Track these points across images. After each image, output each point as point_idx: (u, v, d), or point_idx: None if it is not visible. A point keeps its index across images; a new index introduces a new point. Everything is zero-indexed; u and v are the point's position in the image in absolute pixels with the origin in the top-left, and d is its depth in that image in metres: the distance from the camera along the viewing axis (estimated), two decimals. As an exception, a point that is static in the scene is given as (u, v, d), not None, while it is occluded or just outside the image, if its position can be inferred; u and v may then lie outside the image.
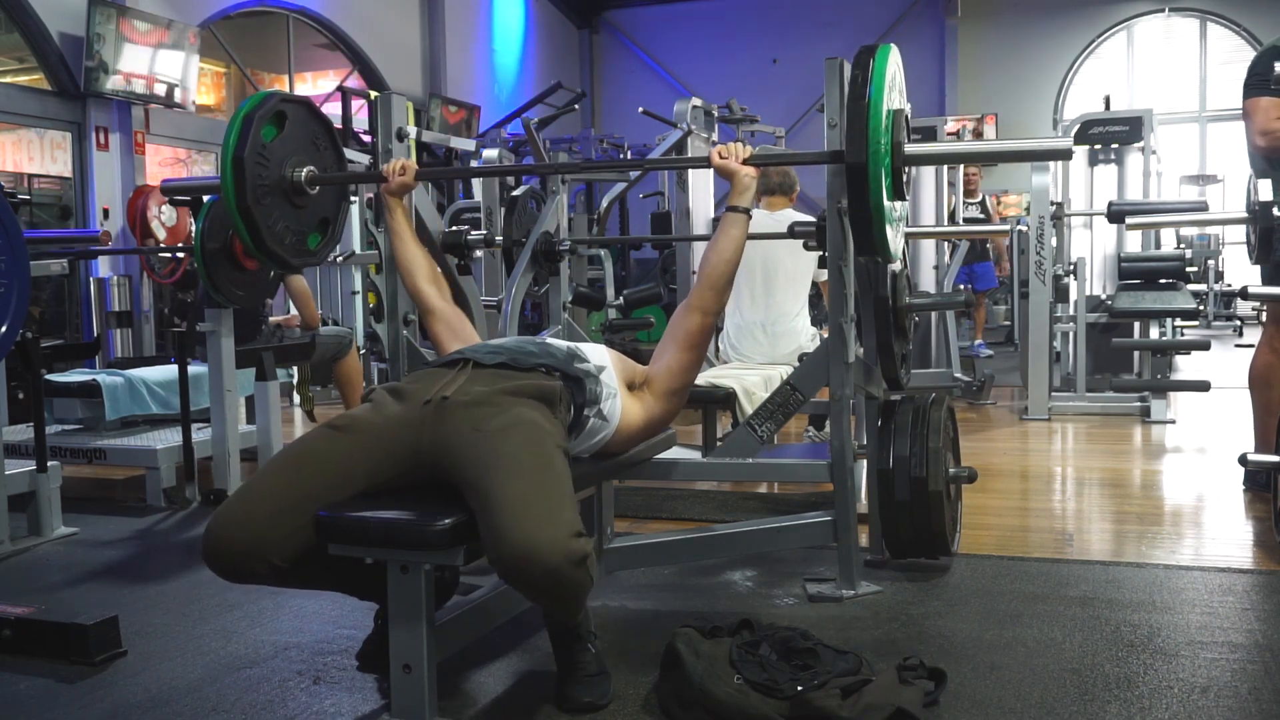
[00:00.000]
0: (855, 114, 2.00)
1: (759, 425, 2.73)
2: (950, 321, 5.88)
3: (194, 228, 3.65)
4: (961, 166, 7.24)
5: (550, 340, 2.26)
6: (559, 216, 3.42)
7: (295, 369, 5.24)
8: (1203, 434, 5.02)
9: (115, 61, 7.71)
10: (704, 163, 2.38)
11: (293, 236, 2.44)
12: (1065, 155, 2.26)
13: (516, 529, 1.67)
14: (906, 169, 2.17)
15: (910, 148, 2.12)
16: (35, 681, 2.22)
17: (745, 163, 2.27)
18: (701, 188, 5.46)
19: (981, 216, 8.13)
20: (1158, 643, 2.27)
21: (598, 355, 2.24)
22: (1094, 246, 6.17)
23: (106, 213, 7.81)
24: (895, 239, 2.21)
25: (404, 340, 2.78)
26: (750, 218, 2.31)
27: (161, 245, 7.85)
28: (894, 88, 2.12)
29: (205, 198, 3.64)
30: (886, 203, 2.02)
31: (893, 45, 2.15)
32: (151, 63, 8.02)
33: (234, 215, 2.29)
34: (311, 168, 2.45)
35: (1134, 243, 6.00)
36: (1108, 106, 6.65)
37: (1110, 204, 4.84)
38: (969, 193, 7.78)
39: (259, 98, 2.38)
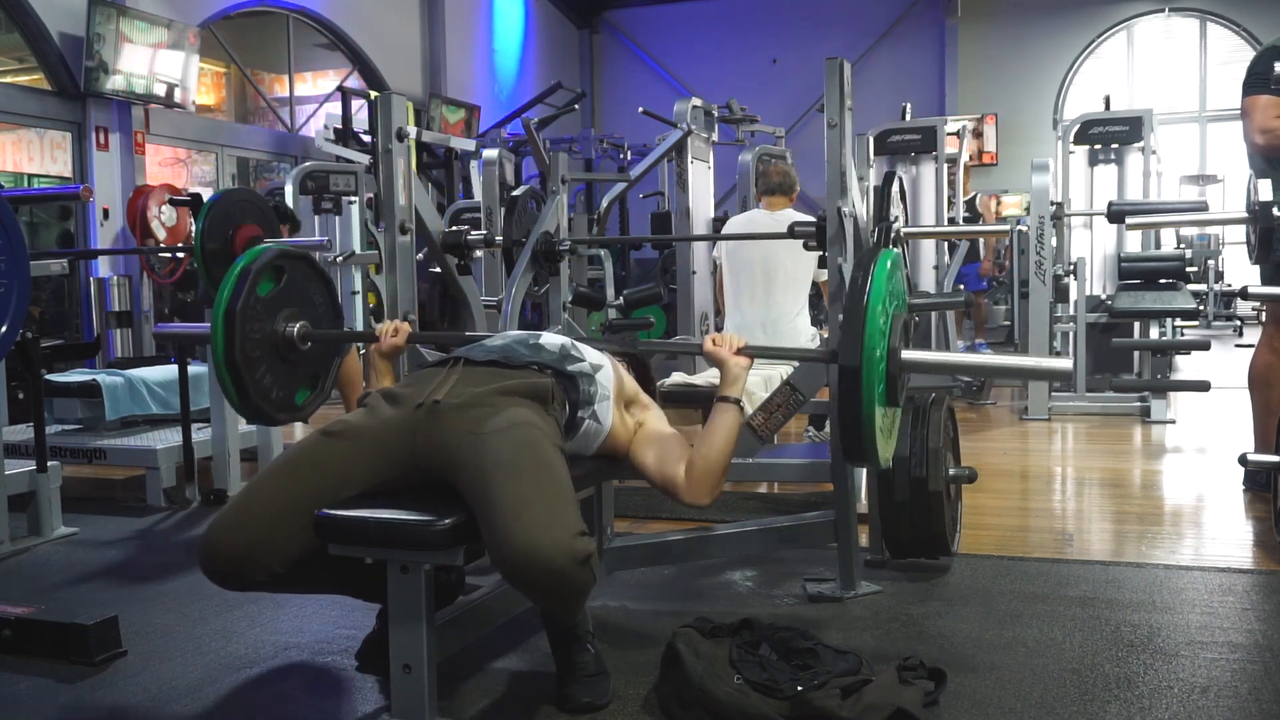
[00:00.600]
0: (852, 316, 1.94)
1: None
2: (950, 321, 5.88)
3: (194, 228, 3.65)
4: (961, 167, 7.24)
5: (544, 338, 2.24)
6: (559, 216, 3.42)
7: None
8: (1203, 434, 5.02)
9: (115, 61, 7.71)
10: (695, 349, 2.30)
11: (280, 391, 2.34)
12: (1063, 376, 2.22)
13: (520, 531, 1.67)
14: (903, 375, 2.08)
15: (907, 354, 2.05)
16: (35, 681, 2.22)
17: (738, 353, 2.17)
18: (701, 188, 5.46)
19: (968, 215, 8.12)
20: (1158, 643, 2.27)
21: (595, 355, 2.22)
22: (1094, 246, 6.17)
23: (106, 213, 7.81)
24: (888, 447, 2.14)
25: (404, 340, 2.77)
26: (743, 410, 2.20)
27: (161, 245, 7.85)
28: (894, 294, 2.05)
29: (205, 198, 3.64)
30: (878, 409, 1.98)
31: (894, 251, 2.10)
32: (151, 63, 8.02)
33: (221, 370, 2.20)
34: (305, 323, 2.36)
35: (1134, 243, 5.99)
36: (1108, 106, 6.64)
37: (1110, 204, 4.83)
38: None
39: (257, 251, 2.30)
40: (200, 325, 2.56)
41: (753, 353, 2.20)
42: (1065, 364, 2.12)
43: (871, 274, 1.97)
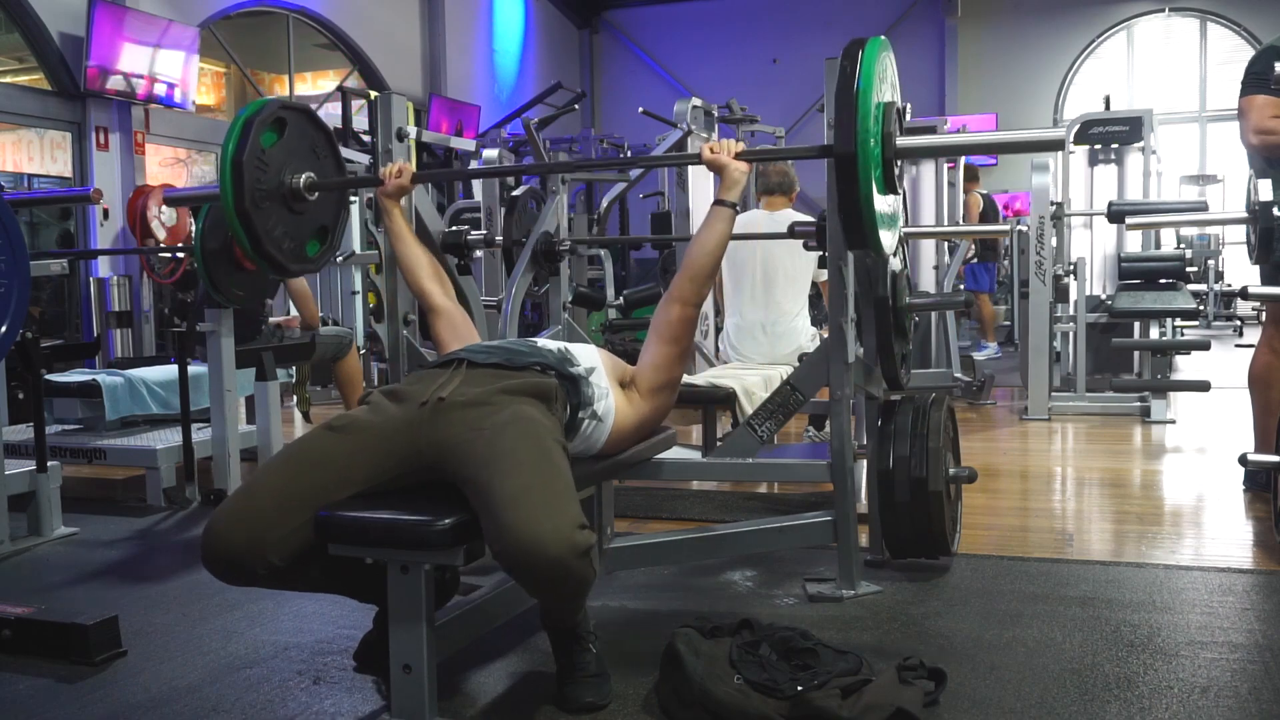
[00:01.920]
0: (843, 104, 1.95)
1: (759, 425, 2.73)
2: (950, 321, 5.88)
3: (194, 228, 3.65)
4: (961, 171, 7.23)
5: (541, 341, 2.27)
6: (559, 216, 3.42)
7: (295, 369, 5.25)
8: (1203, 434, 5.02)
9: (115, 61, 7.71)
10: (694, 159, 2.38)
11: (291, 242, 2.42)
12: (1057, 146, 2.25)
13: (520, 522, 1.68)
14: (898, 162, 2.15)
15: (902, 140, 2.10)
16: (35, 681, 2.22)
17: (736, 158, 2.29)
18: (701, 188, 5.45)
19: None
20: (1158, 643, 2.27)
21: (587, 357, 2.24)
22: (1094, 246, 6.17)
23: (106, 213, 7.82)
24: (889, 237, 2.18)
25: (404, 340, 2.78)
26: (736, 212, 2.35)
27: (161, 245, 7.85)
28: (885, 80, 2.10)
29: (205, 198, 3.64)
30: (877, 196, 1.99)
31: (884, 38, 2.15)
32: (151, 63, 8.02)
33: (231, 219, 2.27)
34: (310, 174, 2.44)
35: (1134, 243, 6.00)
36: (1108, 106, 6.65)
37: (1110, 204, 4.84)
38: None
39: (259, 104, 2.36)
40: (209, 186, 2.64)
41: (750, 156, 2.32)
42: (1057, 133, 2.15)
43: (860, 61, 1.97)
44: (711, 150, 2.30)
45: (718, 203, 2.32)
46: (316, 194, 2.46)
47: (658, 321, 2.32)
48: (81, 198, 4.76)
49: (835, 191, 1.98)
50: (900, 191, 2.22)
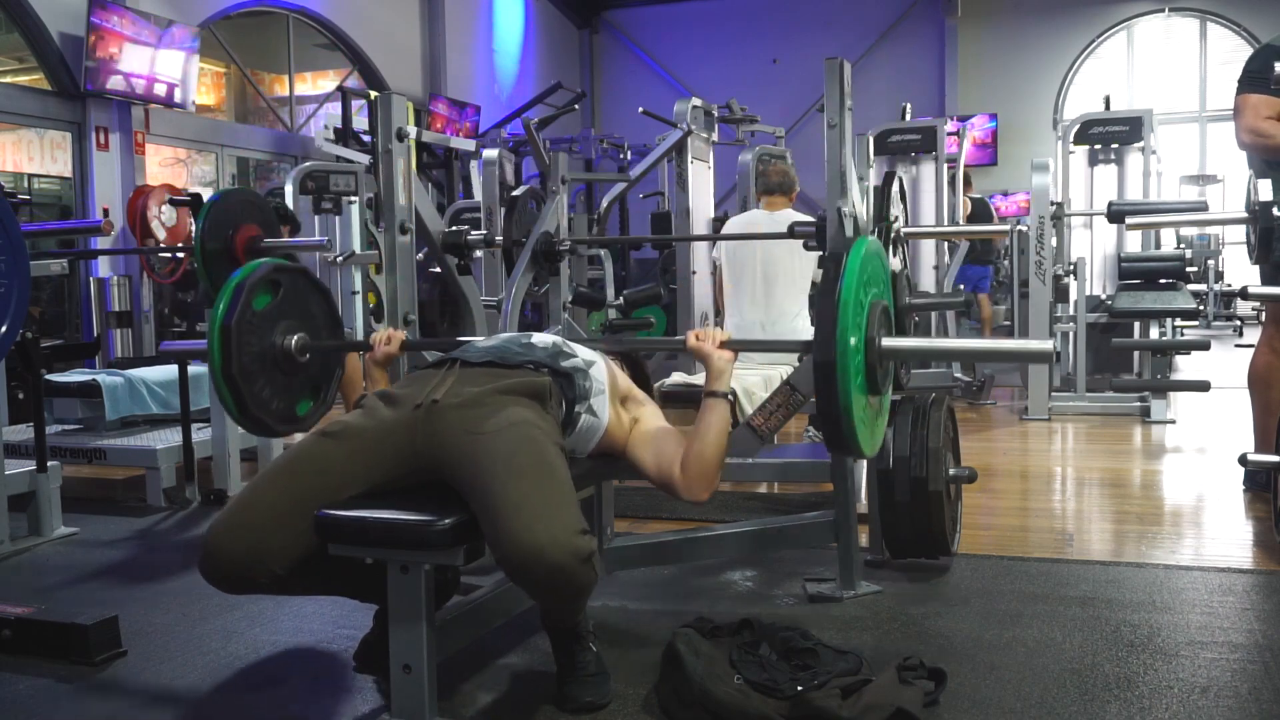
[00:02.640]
0: (824, 311, 1.91)
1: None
2: (950, 321, 5.88)
3: (194, 228, 3.65)
4: (961, 171, 7.23)
5: (535, 337, 2.24)
6: (559, 216, 3.42)
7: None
8: (1203, 434, 5.02)
9: (115, 61, 7.71)
10: (679, 345, 2.27)
11: (280, 403, 2.34)
12: (1045, 358, 2.18)
13: (522, 529, 1.68)
14: (882, 363, 2.04)
15: (888, 342, 2.02)
16: (35, 681, 2.22)
17: (721, 346, 2.17)
18: (702, 188, 5.46)
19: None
20: (1158, 643, 2.27)
21: (586, 352, 2.23)
22: (1094, 246, 6.16)
23: (106, 213, 7.81)
24: (874, 436, 2.12)
25: (404, 340, 2.77)
26: (734, 404, 2.21)
27: (161, 245, 7.85)
28: (871, 279, 2.03)
29: (205, 198, 3.64)
30: (858, 399, 1.97)
31: (870, 238, 2.07)
32: (151, 63, 8.02)
33: (219, 383, 2.20)
34: (303, 335, 2.35)
35: (1134, 243, 5.99)
36: (1108, 106, 6.64)
37: (1110, 204, 4.83)
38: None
39: (253, 266, 2.29)
40: (200, 341, 2.56)
41: (736, 346, 2.21)
42: (1045, 345, 2.12)
43: (844, 264, 1.95)
44: (697, 338, 2.18)
45: (709, 395, 2.14)
46: (308, 355, 2.38)
47: (664, 468, 2.13)
48: (92, 229, 4.74)
49: (817, 394, 1.95)
50: (884, 390, 2.14)
